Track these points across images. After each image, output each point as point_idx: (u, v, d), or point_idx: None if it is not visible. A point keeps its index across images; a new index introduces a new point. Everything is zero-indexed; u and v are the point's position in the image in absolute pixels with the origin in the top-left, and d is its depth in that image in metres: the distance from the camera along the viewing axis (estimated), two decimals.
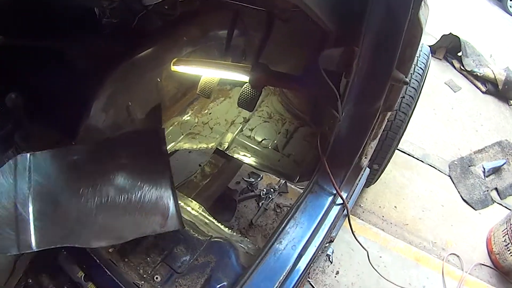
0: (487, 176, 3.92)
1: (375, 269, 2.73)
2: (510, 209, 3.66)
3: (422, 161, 3.90)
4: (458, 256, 3.29)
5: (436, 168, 3.88)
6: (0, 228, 1.46)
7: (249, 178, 3.07)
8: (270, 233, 2.89)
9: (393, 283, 2.92)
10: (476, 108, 4.65)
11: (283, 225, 1.69)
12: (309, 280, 2.85)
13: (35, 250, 1.45)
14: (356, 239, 2.14)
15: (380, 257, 3.12)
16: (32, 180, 1.62)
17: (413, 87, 2.63)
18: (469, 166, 3.97)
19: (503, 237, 3.18)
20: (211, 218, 2.04)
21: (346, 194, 1.94)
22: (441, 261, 3.22)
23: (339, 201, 1.89)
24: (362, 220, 3.33)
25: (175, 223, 1.67)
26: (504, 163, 4.00)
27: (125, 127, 2.19)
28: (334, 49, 1.48)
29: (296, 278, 1.63)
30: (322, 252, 1.93)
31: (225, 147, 2.34)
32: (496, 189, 3.86)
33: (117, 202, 1.66)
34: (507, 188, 3.87)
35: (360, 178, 2.05)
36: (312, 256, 1.71)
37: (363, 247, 2.29)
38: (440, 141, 4.14)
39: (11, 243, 1.44)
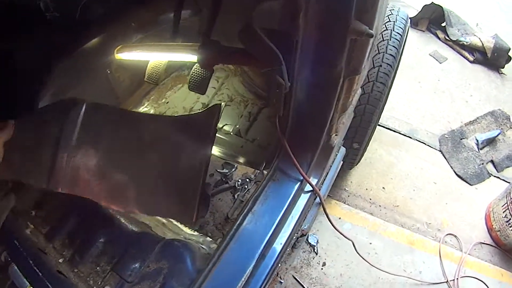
0: (481, 149, 3.61)
1: (364, 259, 2.41)
2: (508, 182, 3.35)
3: (410, 137, 3.56)
4: (455, 236, 2.99)
5: (425, 144, 3.55)
6: (37, 164, 1.56)
7: (223, 169, 2.74)
8: None
9: (385, 271, 2.61)
10: (464, 78, 4.30)
11: (239, 221, 1.38)
12: (294, 275, 2.55)
13: (60, 191, 1.55)
14: (335, 228, 1.82)
15: (370, 243, 2.81)
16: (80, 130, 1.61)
17: (391, 55, 2.31)
18: (461, 139, 3.65)
19: (503, 212, 2.89)
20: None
21: (316, 180, 1.63)
22: (438, 243, 2.92)
23: (308, 187, 1.57)
24: (348, 205, 3.01)
25: (190, 218, 1.51)
26: (499, 134, 3.69)
27: None
28: (273, 0, 1.15)
29: (261, 281, 1.36)
30: (293, 248, 1.61)
31: None
32: (491, 161, 3.56)
33: (149, 176, 1.59)
34: (503, 160, 3.56)
35: (334, 159, 1.73)
36: (278, 255, 1.42)
37: (345, 237, 1.99)
38: (427, 115, 3.81)
39: (43, 179, 1.55)
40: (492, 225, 3.00)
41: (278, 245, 1.42)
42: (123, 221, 1.63)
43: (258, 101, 2.10)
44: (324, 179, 1.71)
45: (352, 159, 2.68)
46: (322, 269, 2.64)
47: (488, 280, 2.79)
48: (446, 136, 3.63)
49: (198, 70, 1.66)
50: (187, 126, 1.63)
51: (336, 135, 1.65)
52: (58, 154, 1.57)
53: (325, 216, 1.67)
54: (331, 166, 1.76)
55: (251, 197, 1.43)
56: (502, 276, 2.84)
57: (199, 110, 2.12)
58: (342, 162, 1.92)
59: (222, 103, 1.88)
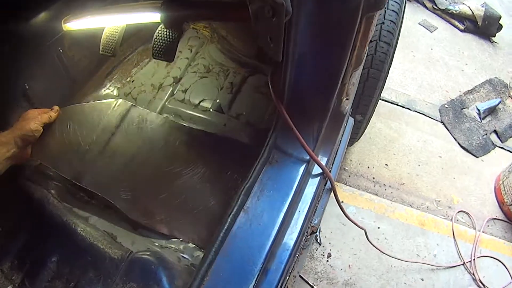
0: (483, 118, 3.29)
1: (376, 247, 2.04)
2: None
3: (409, 109, 3.18)
4: (467, 214, 2.65)
5: (425, 115, 3.18)
6: (72, 151, 1.40)
7: None
8: None
9: (398, 258, 2.24)
10: (457, 47, 3.96)
11: (227, 224, 0.97)
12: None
13: (82, 184, 1.33)
14: (349, 219, 1.43)
15: (378, 228, 2.43)
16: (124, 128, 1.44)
17: (393, 11, 1.91)
18: (462, 108, 3.30)
19: None
20: None
21: (325, 159, 1.23)
22: (450, 222, 2.58)
23: (317, 170, 1.17)
24: (350, 186, 2.62)
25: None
26: (499, 102, 3.37)
27: None
28: None
29: None
30: (302, 250, 1.21)
31: None
32: (495, 131, 3.23)
33: (178, 195, 1.29)
34: (506, 130, 3.25)
35: (344, 130, 1.33)
36: (285, 266, 1.03)
37: (358, 226, 1.59)
38: (424, 85, 3.44)
39: (69, 168, 1.36)
40: (504, 199, 2.69)
41: (284, 252, 1.03)
42: (80, 231, 1.20)
43: (241, 69, 1.67)
44: (334, 158, 1.30)
45: (354, 133, 2.29)
46: (327, 261, 2.25)
47: (505, 258, 2.49)
48: (446, 106, 3.28)
49: (163, 33, 1.22)
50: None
51: (347, 99, 1.24)
52: None
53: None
54: (340, 141, 1.35)
55: (241, 189, 1.01)
56: None
57: (170, 85, 1.68)
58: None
59: None
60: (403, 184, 2.69)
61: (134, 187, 1.33)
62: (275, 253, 1.01)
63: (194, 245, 1.23)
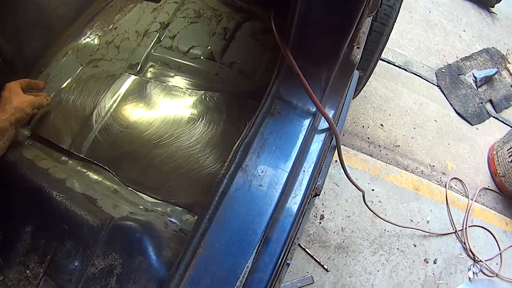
0: (479, 86, 3.14)
1: (370, 209, 1.89)
2: (508, 125, 2.99)
3: (405, 70, 2.98)
4: (460, 181, 2.53)
5: (422, 77, 2.99)
6: (69, 122, 1.22)
7: None
8: None
9: (392, 223, 2.11)
10: (455, 13, 3.73)
11: (224, 184, 0.78)
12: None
13: (82, 156, 1.16)
14: (351, 181, 1.28)
15: (373, 190, 2.29)
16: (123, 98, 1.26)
17: None
18: (459, 74, 3.12)
19: (509, 157, 2.47)
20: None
21: (332, 112, 1.04)
22: (443, 188, 2.45)
23: (323, 124, 0.98)
24: (344, 145, 2.45)
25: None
26: (496, 72, 3.21)
27: None
28: None
29: (266, 279, 0.81)
30: (302, 219, 1.04)
31: (138, 68, 1.37)
32: (490, 101, 3.11)
33: (173, 159, 1.11)
34: (501, 100, 3.12)
35: (351, 82, 1.13)
36: (288, 235, 0.86)
37: (359, 189, 1.43)
38: (422, 47, 3.23)
39: (68, 138, 1.19)
40: (497, 170, 2.59)
41: (287, 218, 0.85)
42: (55, 195, 0.99)
43: (235, 14, 1.43)
44: (341, 112, 1.11)
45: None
46: (320, 223, 2.11)
47: (494, 229, 2.42)
48: (443, 70, 3.09)
49: None
50: None
51: (357, 47, 1.04)
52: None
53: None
54: (346, 94, 1.15)
55: (238, 144, 0.82)
56: (507, 226, 2.48)
57: (156, 31, 1.44)
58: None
59: None
60: (398, 146, 2.54)
61: (130, 153, 1.15)
62: (278, 219, 0.84)
63: (182, 208, 1.04)
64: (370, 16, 0.99)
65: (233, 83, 1.24)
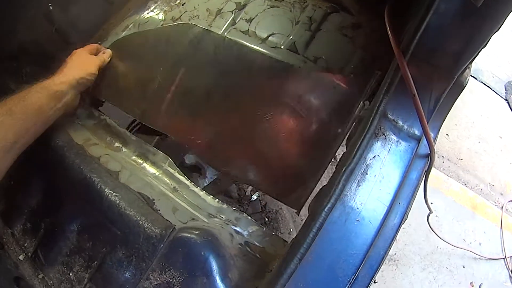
0: None
1: (430, 226, 1.68)
2: None
3: (475, 78, 2.66)
4: None
5: (491, 89, 2.67)
6: (136, 88, 1.08)
7: None
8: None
9: (446, 241, 1.89)
10: None
11: (318, 225, 0.61)
12: None
13: (149, 125, 1.03)
14: (427, 203, 1.09)
15: (432, 203, 2.04)
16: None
17: None
18: None
19: None
20: (184, 180, 0.98)
21: (433, 135, 0.85)
22: (500, 210, 2.17)
23: (424, 149, 0.79)
24: None
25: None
26: None
27: (50, 47, 1.24)
28: None
29: None
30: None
31: None
32: None
33: (261, 142, 0.95)
34: None
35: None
36: (373, 274, 0.69)
37: (429, 209, 1.25)
38: (492, 55, 2.87)
39: (137, 106, 1.06)
40: None
41: (377, 257, 0.68)
42: (107, 193, 0.85)
43: (322, 3, 1.23)
44: (437, 135, 0.92)
45: None
46: None
47: None
48: None
49: None
50: None
51: (469, 68, 0.85)
52: None
53: None
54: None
55: (342, 171, 0.64)
56: None
57: (231, 12, 1.26)
58: None
59: None
60: (461, 159, 2.27)
61: (211, 128, 1.00)
62: (368, 257, 0.66)
63: (249, 217, 0.88)
64: None
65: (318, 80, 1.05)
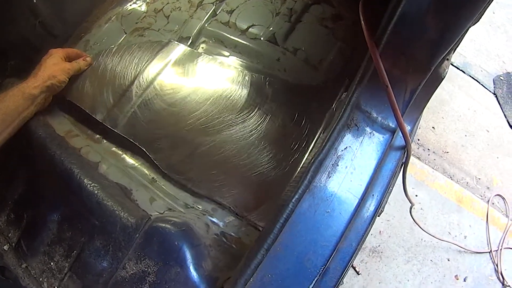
0: None
1: (413, 218, 1.68)
2: None
3: (463, 72, 2.67)
4: (504, 199, 2.24)
5: (479, 82, 2.67)
6: (106, 90, 1.06)
7: None
8: None
9: (430, 234, 1.90)
10: None
11: (285, 215, 0.60)
12: None
13: (116, 131, 1.00)
14: (407, 196, 1.09)
15: (416, 195, 2.08)
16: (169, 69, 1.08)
17: None
18: None
19: None
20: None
21: (409, 128, 0.84)
22: (486, 204, 2.18)
23: (399, 141, 0.79)
24: None
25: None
26: None
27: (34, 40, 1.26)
28: None
29: None
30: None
31: (189, 42, 1.19)
32: None
33: (222, 149, 0.94)
34: None
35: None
36: (346, 266, 0.69)
37: (410, 202, 1.26)
38: (482, 50, 2.88)
39: (103, 108, 1.03)
40: None
41: (348, 248, 0.68)
42: (86, 183, 0.84)
43: None
44: (415, 128, 0.92)
45: None
46: None
47: None
48: (501, 78, 2.74)
49: None
50: None
51: (448, 59, 0.84)
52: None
53: None
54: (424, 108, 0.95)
55: (310, 161, 0.63)
56: None
57: (212, 3, 1.24)
58: None
59: None
60: (447, 152, 2.28)
61: (173, 135, 0.98)
62: (339, 249, 0.66)
63: (225, 208, 0.88)
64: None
65: (295, 72, 1.04)
